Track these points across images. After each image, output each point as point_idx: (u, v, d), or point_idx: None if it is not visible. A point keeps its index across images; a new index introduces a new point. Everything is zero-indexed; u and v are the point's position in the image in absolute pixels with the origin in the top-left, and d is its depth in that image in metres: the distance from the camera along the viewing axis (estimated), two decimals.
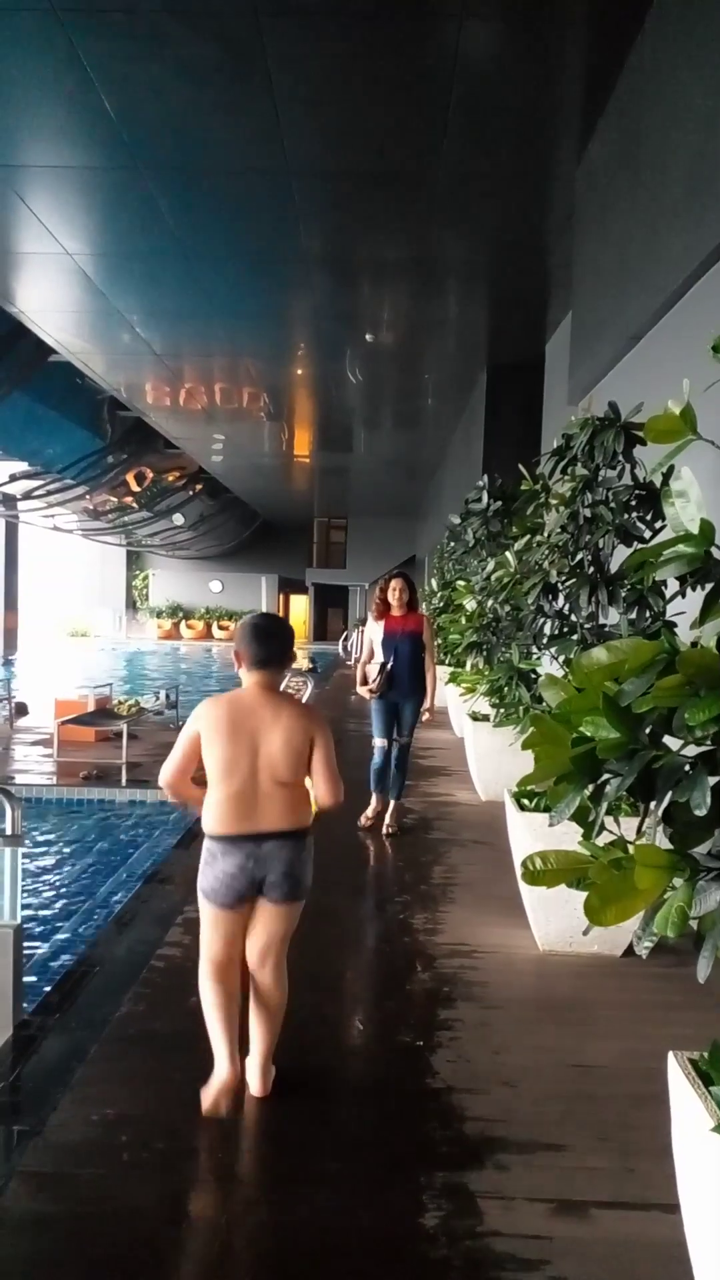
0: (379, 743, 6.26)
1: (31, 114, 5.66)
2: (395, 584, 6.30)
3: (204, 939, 2.90)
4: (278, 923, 2.89)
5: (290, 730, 2.81)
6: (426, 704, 6.26)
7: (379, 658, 6.20)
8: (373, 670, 6.20)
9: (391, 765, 6.24)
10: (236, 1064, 2.81)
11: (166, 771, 2.85)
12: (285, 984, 2.99)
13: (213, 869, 2.81)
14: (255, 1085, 2.96)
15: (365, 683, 6.26)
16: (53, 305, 9.63)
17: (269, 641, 2.92)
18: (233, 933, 2.88)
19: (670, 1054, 1.99)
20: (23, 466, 18.62)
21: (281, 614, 39.49)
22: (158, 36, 4.78)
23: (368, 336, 10.48)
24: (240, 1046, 2.88)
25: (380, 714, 6.23)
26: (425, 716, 6.30)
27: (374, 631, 6.28)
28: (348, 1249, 2.31)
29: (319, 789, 2.89)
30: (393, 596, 6.24)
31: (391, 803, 6.32)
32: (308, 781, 2.91)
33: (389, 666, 6.12)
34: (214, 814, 2.80)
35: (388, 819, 6.28)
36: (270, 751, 2.79)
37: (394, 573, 6.38)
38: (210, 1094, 2.75)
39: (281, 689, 2.98)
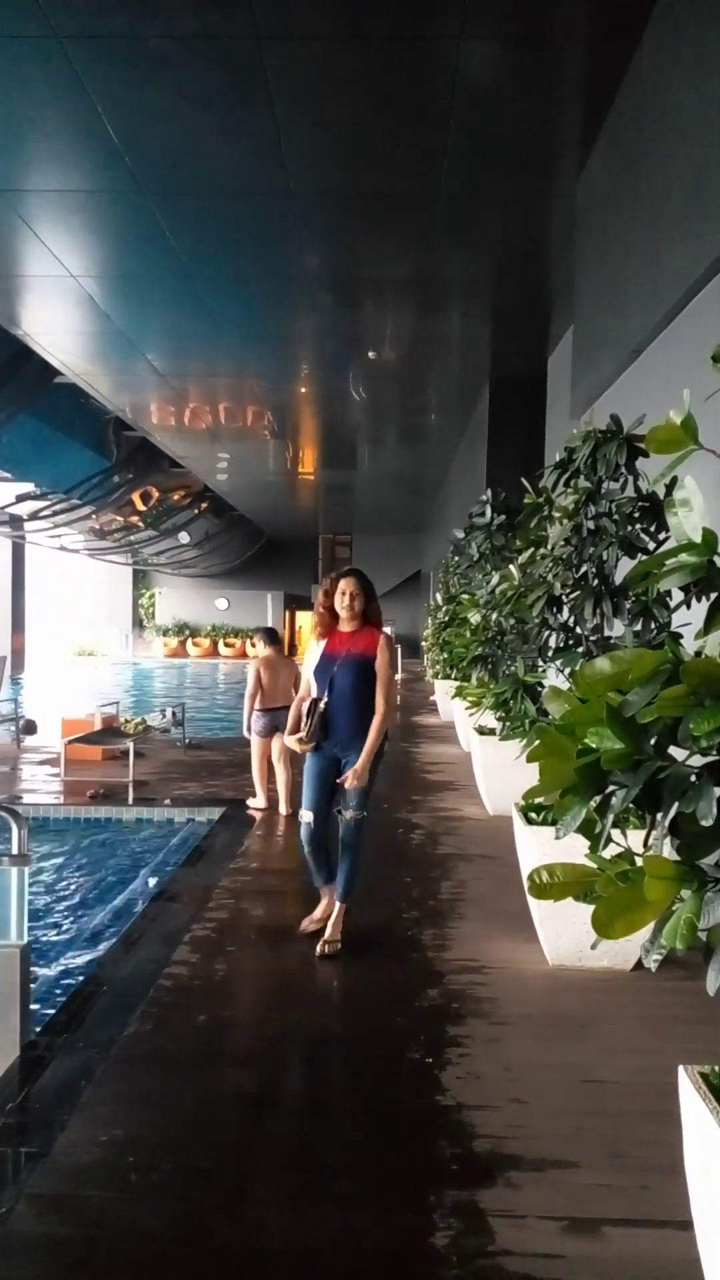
0: (303, 815, 4.49)
1: (36, 139, 5.72)
2: (345, 584, 4.46)
3: None
4: None
5: None
6: (350, 774, 4.32)
7: (314, 689, 4.49)
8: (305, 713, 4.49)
9: (341, 844, 4.46)
10: None
11: None
12: None
13: None
14: None
15: (296, 729, 4.50)
16: (58, 327, 9.70)
17: None
18: None
19: (681, 1068, 1.97)
20: (29, 487, 18.71)
21: (286, 631, 39.57)
22: (160, 62, 4.84)
23: (371, 354, 10.53)
24: None
25: (310, 774, 4.49)
26: (349, 781, 4.33)
27: (310, 655, 4.59)
28: (358, 1269, 2.29)
29: None
30: (341, 602, 4.44)
31: (336, 907, 4.46)
32: None
33: (321, 705, 4.39)
34: None
35: (329, 931, 4.41)
36: None
37: (344, 570, 4.59)
38: None
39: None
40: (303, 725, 4.45)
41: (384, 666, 4.45)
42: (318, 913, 4.66)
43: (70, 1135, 2.82)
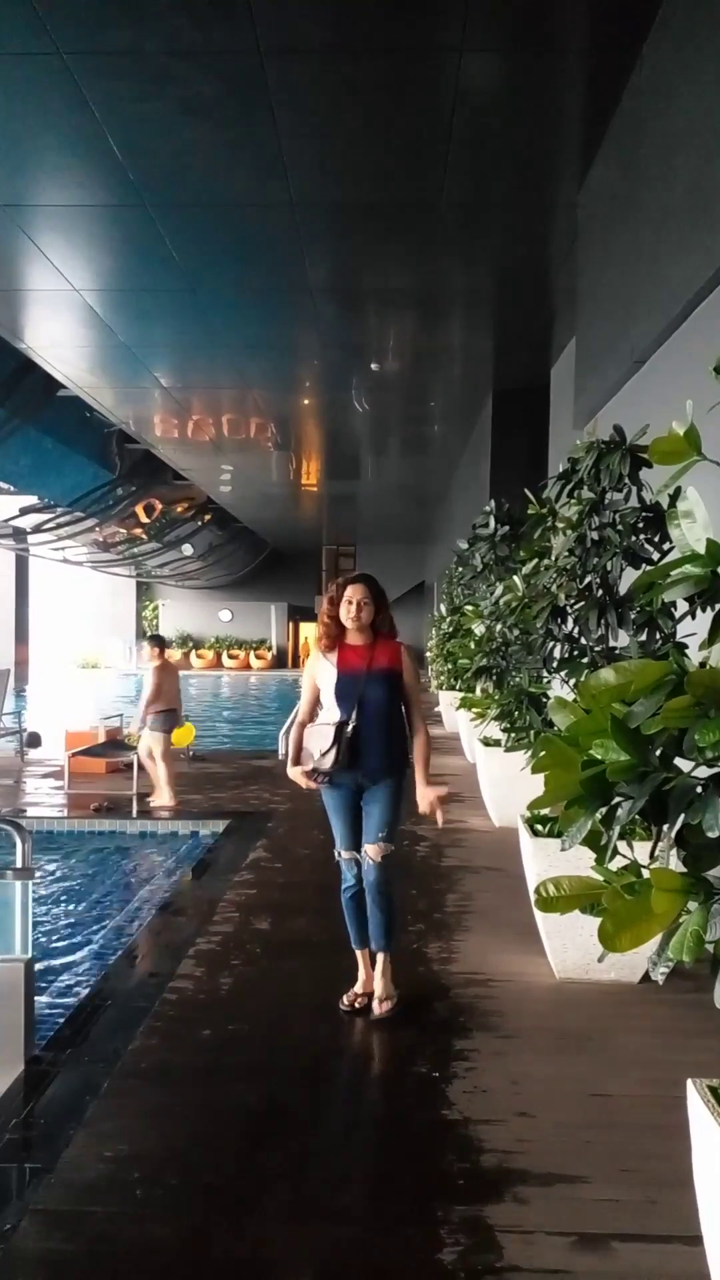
0: (345, 855, 3.95)
1: (39, 154, 5.75)
2: (353, 592, 3.90)
3: None
4: None
5: None
6: (432, 795, 3.89)
7: (329, 714, 3.89)
8: (315, 739, 3.86)
9: (370, 887, 3.86)
10: None
11: None
12: None
13: None
14: None
15: (298, 760, 3.92)
16: (61, 341, 9.74)
17: None
18: None
19: (690, 1082, 1.96)
20: (33, 500, 18.76)
21: (291, 642, 39.61)
22: (163, 76, 4.87)
23: (374, 366, 10.55)
24: None
25: (337, 809, 3.92)
26: (437, 813, 3.89)
27: (319, 671, 3.97)
28: None
29: None
30: (348, 612, 3.88)
31: (379, 959, 3.93)
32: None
33: (349, 727, 3.80)
34: None
35: (378, 988, 3.90)
36: None
37: (352, 576, 4.06)
38: None
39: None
40: (319, 753, 3.80)
41: (414, 682, 4.00)
42: (360, 984, 3.98)
43: (75, 1150, 2.81)
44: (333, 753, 3.78)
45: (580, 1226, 2.46)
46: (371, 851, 3.83)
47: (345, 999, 3.91)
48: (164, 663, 8.70)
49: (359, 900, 3.93)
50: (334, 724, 3.81)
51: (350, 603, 3.90)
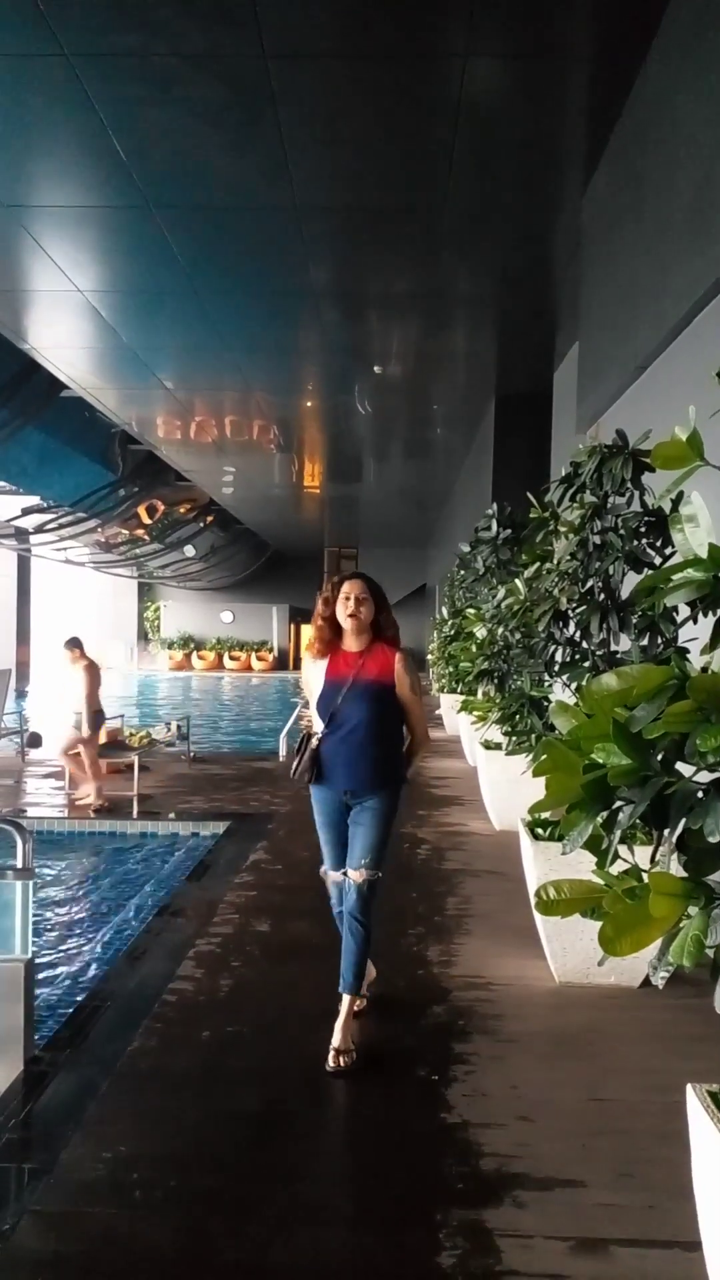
0: (331, 875, 3.71)
1: (44, 155, 5.76)
2: (350, 587, 3.65)
3: None
4: None
5: None
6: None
7: (316, 720, 3.70)
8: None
9: (347, 915, 3.58)
10: None
11: None
12: None
13: None
14: None
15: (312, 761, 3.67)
16: (64, 342, 9.75)
17: None
18: None
19: (690, 1087, 1.96)
20: (35, 500, 18.77)
21: (292, 644, 39.59)
22: (168, 79, 4.88)
23: (376, 369, 10.56)
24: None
25: (323, 823, 3.70)
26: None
27: (311, 678, 3.75)
28: None
29: None
30: (345, 609, 3.61)
31: (344, 1001, 3.51)
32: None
33: (316, 742, 3.63)
34: None
35: (336, 1032, 3.44)
36: None
37: (348, 574, 3.79)
38: None
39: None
40: (297, 763, 3.65)
41: (409, 693, 3.66)
42: (336, 1036, 3.44)
43: (73, 1152, 2.81)
44: (296, 763, 3.65)
45: (579, 1231, 2.46)
46: (354, 876, 3.57)
47: (330, 1057, 3.37)
48: (90, 662, 8.78)
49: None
50: (302, 735, 3.69)
51: (348, 598, 3.61)
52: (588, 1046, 3.60)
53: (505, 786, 7.14)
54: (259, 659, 38.35)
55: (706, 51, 3.88)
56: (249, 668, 38.17)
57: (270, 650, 38.75)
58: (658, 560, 3.75)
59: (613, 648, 3.92)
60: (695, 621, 2.14)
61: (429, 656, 15.62)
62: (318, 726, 3.66)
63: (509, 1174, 2.72)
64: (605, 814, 1.83)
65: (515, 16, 4.43)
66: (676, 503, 2.04)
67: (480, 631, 6.66)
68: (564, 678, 4.26)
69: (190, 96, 5.04)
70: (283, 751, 11.79)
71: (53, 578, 32.93)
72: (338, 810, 3.65)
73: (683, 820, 1.71)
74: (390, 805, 3.63)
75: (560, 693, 4.74)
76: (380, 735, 3.61)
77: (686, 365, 4.47)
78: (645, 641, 3.50)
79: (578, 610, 4.03)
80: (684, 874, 1.74)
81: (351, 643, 3.69)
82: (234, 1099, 3.18)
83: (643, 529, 3.75)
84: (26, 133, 5.47)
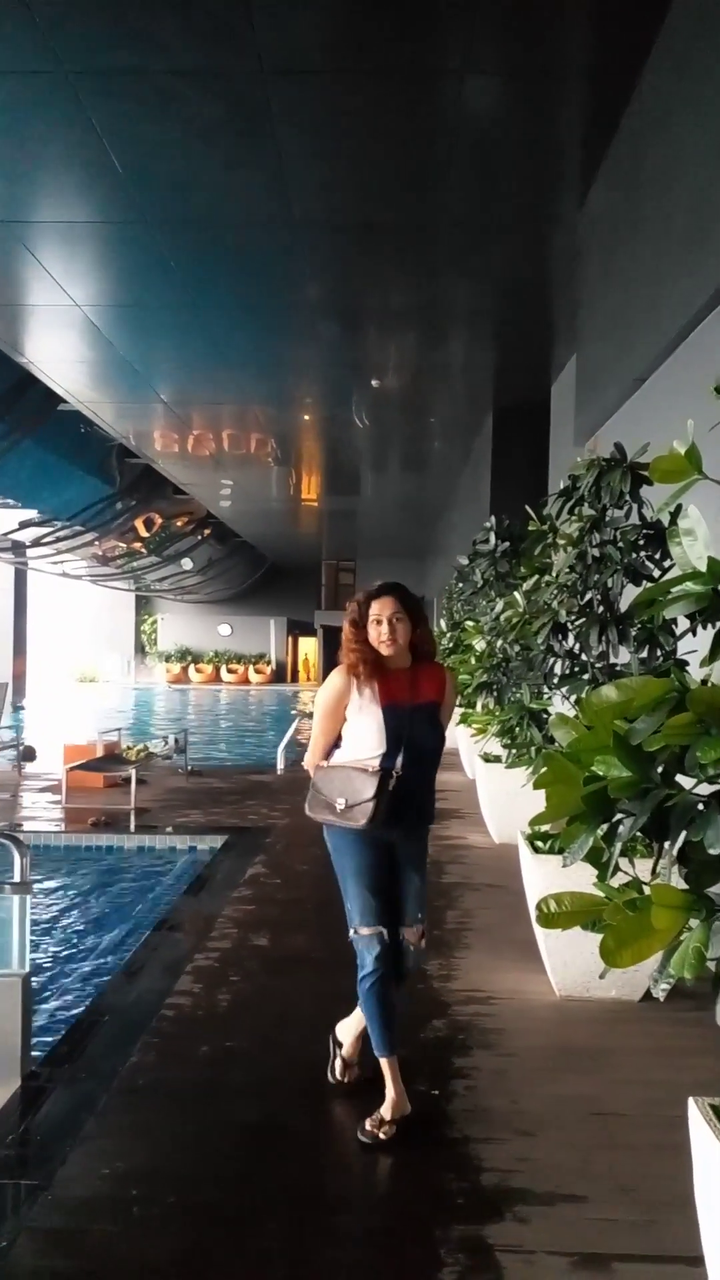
0: (365, 933, 3.09)
1: (42, 171, 5.80)
2: (380, 608, 3.11)
3: None
4: None
5: None
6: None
7: (361, 754, 3.11)
8: (341, 785, 3.07)
9: (394, 979, 3.16)
10: None
11: None
12: None
13: None
14: None
15: (315, 807, 3.15)
16: (62, 356, 9.78)
17: None
18: None
19: (691, 1100, 1.95)
20: (32, 514, 18.79)
21: (290, 657, 39.59)
22: (166, 96, 4.91)
23: (374, 382, 10.60)
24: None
25: (361, 869, 3.13)
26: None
27: (351, 702, 3.15)
28: None
29: None
30: (378, 635, 3.10)
31: (389, 1065, 3.09)
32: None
33: (395, 774, 3.03)
34: None
35: (388, 1104, 3.03)
36: None
37: (376, 588, 3.20)
38: None
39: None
40: (349, 803, 3.02)
41: (448, 714, 3.32)
42: (389, 1107, 3.02)
43: (71, 1168, 2.79)
44: (371, 806, 2.98)
45: (581, 1246, 2.45)
46: (411, 936, 3.18)
47: (369, 1126, 2.98)
48: None
49: (385, 989, 3.07)
50: (373, 770, 3.03)
51: (379, 622, 3.09)
52: (589, 1060, 3.58)
53: (505, 799, 7.13)
54: (257, 671, 38.34)
55: (702, 66, 3.91)
56: (247, 680, 38.15)
57: (268, 663, 38.73)
58: (656, 573, 3.76)
59: (612, 660, 3.93)
60: (694, 634, 2.15)
61: None
62: (360, 757, 3.11)
63: (510, 1189, 2.71)
64: (606, 826, 1.83)
65: (512, 33, 4.47)
66: (675, 516, 2.05)
67: (479, 644, 6.67)
68: (563, 690, 4.26)
69: (188, 113, 5.07)
70: (280, 765, 11.75)
71: (50, 591, 32.94)
72: (381, 850, 3.16)
73: (683, 832, 1.70)
74: (424, 847, 3.33)
75: (560, 705, 4.74)
76: (436, 761, 3.25)
77: (685, 378, 4.49)
78: (644, 654, 3.51)
79: (577, 623, 4.03)
80: (685, 886, 1.74)
81: (396, 660, 3.18)
82: (233, 1114, 3.16)
83: (641, 542, 3.76)
84: (24, 148, 5.51)
